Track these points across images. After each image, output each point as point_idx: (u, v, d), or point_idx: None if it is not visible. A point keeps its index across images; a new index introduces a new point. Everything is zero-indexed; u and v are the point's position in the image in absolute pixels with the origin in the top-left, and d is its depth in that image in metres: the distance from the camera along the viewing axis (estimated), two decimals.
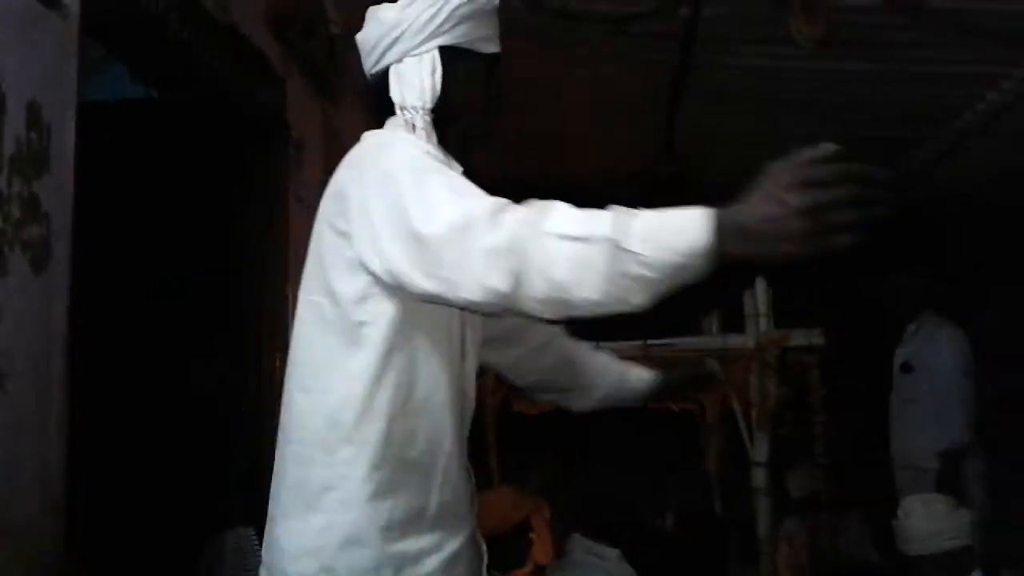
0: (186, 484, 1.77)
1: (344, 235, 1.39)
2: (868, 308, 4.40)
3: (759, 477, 3.37)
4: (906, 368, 4.26)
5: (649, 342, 3.54)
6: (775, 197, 1.13)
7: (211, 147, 2.44)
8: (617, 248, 1.16)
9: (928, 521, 2.78)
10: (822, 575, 2.27)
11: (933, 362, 4.15)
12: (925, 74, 3.90)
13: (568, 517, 2.91)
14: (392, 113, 1.52)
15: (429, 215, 1.27)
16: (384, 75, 1.52)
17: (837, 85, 4.01)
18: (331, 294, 1.41)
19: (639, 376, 1.94)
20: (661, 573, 3.07)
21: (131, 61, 2.35)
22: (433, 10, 1.48)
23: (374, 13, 1.54)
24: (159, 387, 1.73)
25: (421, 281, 1.28)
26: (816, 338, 3.39)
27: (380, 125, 1.53)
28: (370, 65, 1.54)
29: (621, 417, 4.16)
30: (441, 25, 1.49)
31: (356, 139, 1.52)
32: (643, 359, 3.59)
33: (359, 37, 1.56)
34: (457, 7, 1.49)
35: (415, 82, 1.51)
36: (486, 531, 2.20)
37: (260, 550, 1.50)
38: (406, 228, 1.29)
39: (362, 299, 1.38)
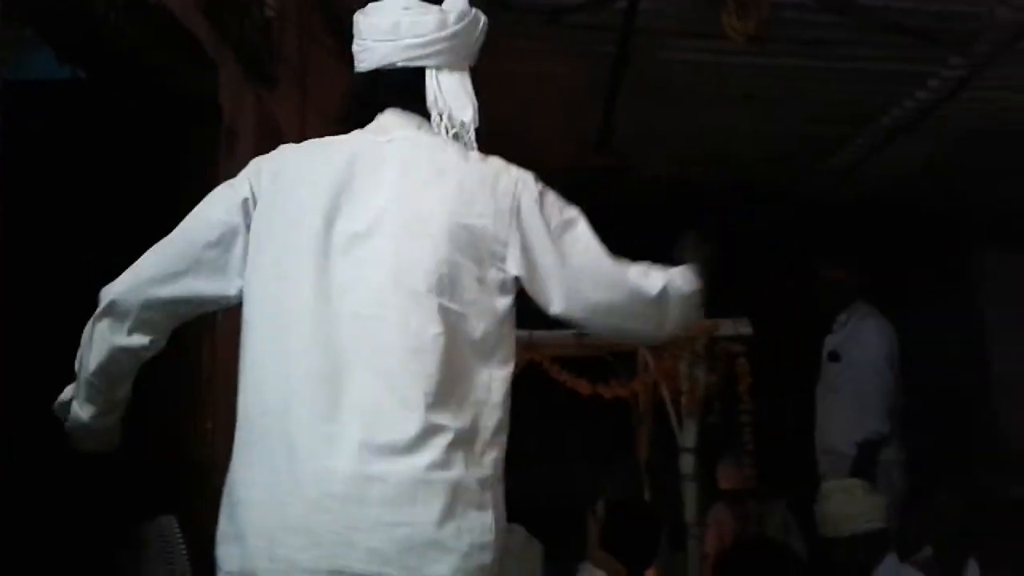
0: (106, 474, 1.75)
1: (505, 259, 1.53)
2: (797, 298, 4.50)
3: (687, 463, 3.46)
4: (833, 357, 4.37)
5: (583, 331, 3.60)
6: None
7: (140, 131, 2.40)
8: None
9: (845, 505, 2.88)
10: (744, 557, 2.35)
11: (859, 352, 4.26)
12: (856, 71, 3.99)
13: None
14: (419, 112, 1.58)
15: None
16: (414, 71, 1.57)
17: (771, 81, 4.08)
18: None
19: None
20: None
21: (57, 42, 2.29)
22: (479, 30, 1.58)
23: (431, 8, 1.58)
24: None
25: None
26: (744, 328, 3.48)
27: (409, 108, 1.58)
28: (398, 53, 1.56)
29: (555, 406, 4.25)
30: (479, 44, 1.60)
31: (291, 126, 1.53)
32: (577, 347, 3.69)
33: (400, 16, 1.57)
34: (484, 27, 1.59)
35: (465, 100, 1.59)
36: None
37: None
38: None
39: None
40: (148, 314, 1.53)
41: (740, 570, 2.05)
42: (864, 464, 3.93)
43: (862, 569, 2.82)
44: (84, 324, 1.56)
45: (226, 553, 1.42)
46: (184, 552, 1.92)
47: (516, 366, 3.18)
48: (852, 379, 4.26)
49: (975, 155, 4.54)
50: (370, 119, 1.59)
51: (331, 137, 1.61)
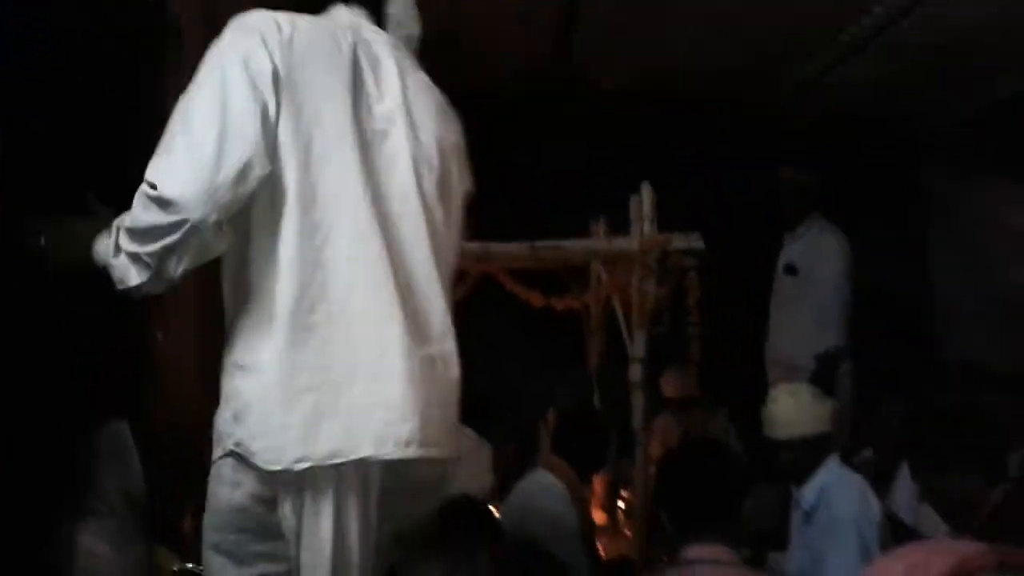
0: (58, 380, 1.74)
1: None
2: (748, 213, 4.55)
3: (636, 373, 3.53)
4: (790, 270, 4.45)
5: (537, 243, 3.62)
6: None
7: (85, 28, 2.31)
8: None
9: (793, 409, 2.98)
10: (686, 456, 2.43)
11: (819, 266, 4.34)
12: None
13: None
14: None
15: None
16: None
17: None
18: None
19: None
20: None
21: None
22: None
23: None
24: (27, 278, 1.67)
25: None
26: (695, 242, 3.51)
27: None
28: None
29: (509, 317, 4.28)
30: None
31: None
32: (531, 260, 3.71)
33: None
34: None
35: (414, 12, 1.69)
36: None
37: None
38: None
39: None
40: (230, 215, 1.44)
41: (682, 467, 2.12)
42: (824, 376, 4.06)
43: (804, 470, 2.94)
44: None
45: (282, 442, 1.41)
46: (136, 457, 1.93)
47: (470, 277, 3.21)
48: (811, 293, 4.35)
49: (927, 73, 4.57)
50: (320, 10, 1.61)
51: (319, 17, 1.60)
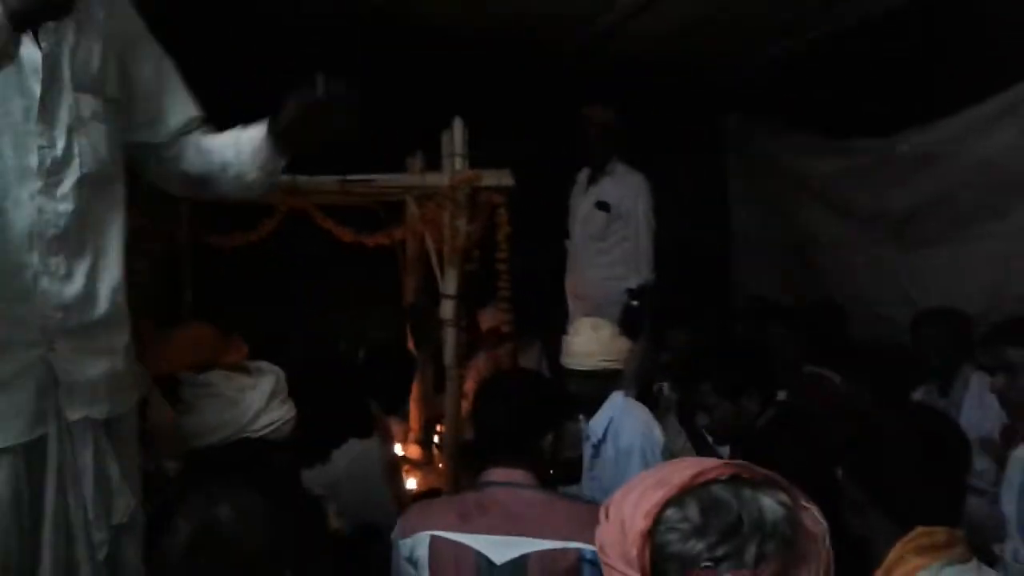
0: None
1: None
2: (557, 150, 4.64)
3: (447, 309, 3.56)
4: (602, 206, 4.59)
5: (348, 178, 3.54)
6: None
7: None
8: None
9: (592, 342, 3.11)
10: (500, 381, 2.49)
11: (630, 203, 4.50)
12: None
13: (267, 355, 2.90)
14: None
15: None
16: None
17: None
18: None
19: (251, 132, 1.88)
20: (348, 404, 3.21)
21: None
22: None
23: None
24: None
25: None
26: (506, 179, 3.55)
27: None
28: None
29: (323, 253, 4.19)
30: None
31: None
32: (342, 195, 3.64)
33: None
34: None
35: None
36: (174, 367, 2.17)
37: None
38: None
39: None
40: None
41: (495, 392, 2.16)
42: (635, 310, 4.23)
43: (592, 402, 3.08)
44: None
45: None
46: None
47: (279, 212, 3.08)
48: (622, 229, 4.51)
49: (728, 20, 4.74)
50: None
51: None
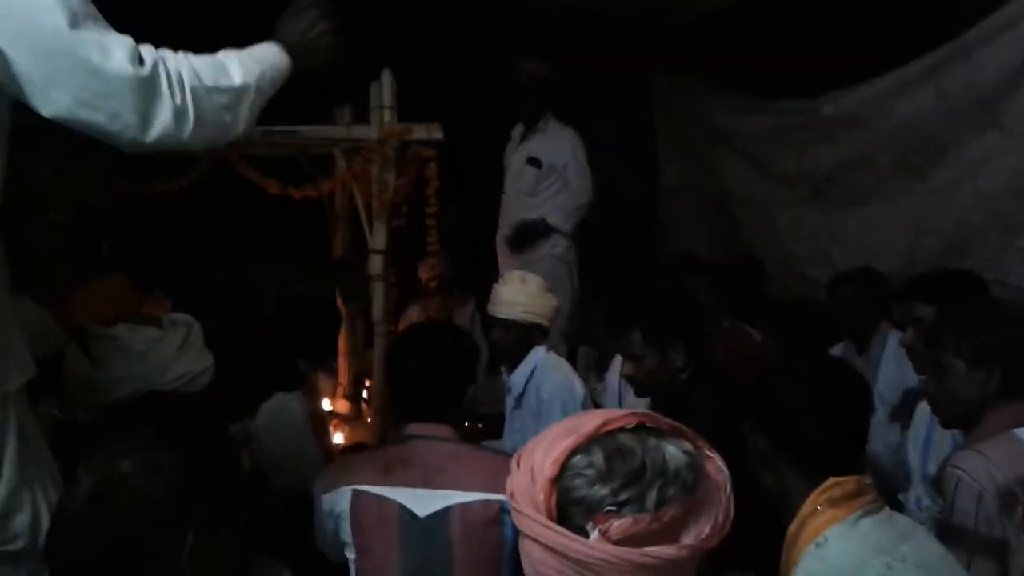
0: None
1: None
2: (492, 105, 4.60)
3: (376, 264, 3.53)
4: (534, 162, 4.59)
5: (272, 128, 3.47)
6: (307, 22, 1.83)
7: None
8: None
9: (519, 292, 3.13)
10: (418, 333, 2.49)
11: (560, 156, 4.50)
12: None
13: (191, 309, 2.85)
14: None
15: None
16: None
17: None
18: None
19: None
20: (273, 358, 3.18)
21: None
22: None
23: None
24: None
25: None
26: (435, 132, 3.52)
27: None
28: None
29: (249, 206, 4.11)
30: None
31: None
32: (266, 146, 3.56)
33: None
34: None
35: None
36: (92, 319, 2.11)
37: None
38: None
39: None
40: None
41: (412, 346, 2.16)
42: (521, 240, 4.28)
43: (511, 353, 3.11)
44: None
45: None
46: None
47: (203, 163, 3.00)
48: (554, 183, 4.52)
49: None
50: None
51: None
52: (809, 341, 3.48)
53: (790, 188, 4.85)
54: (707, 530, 1.10)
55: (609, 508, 1.06)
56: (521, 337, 3.10)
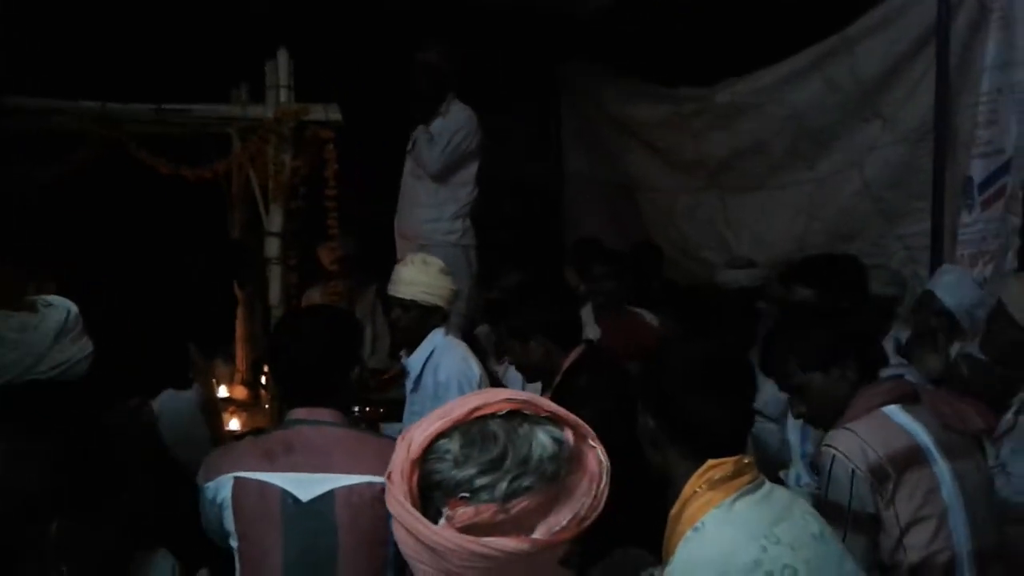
0: None
1: None
2: (388, 85, 4.56)
3: (272, 247, 3.47)
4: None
5: (164, 106, 3.36)
6: None
7: None
8: None
9: (419, 273, 3.13)
10: (301, 315, 2.46)
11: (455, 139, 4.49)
12: None
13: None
14: None
15: None
16: None
17: None
18: None
19: None
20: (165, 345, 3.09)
21: None
22: None
23: None
24: None
25: None
26: (334, 113, 3.46)
27: None
28: None
29: (142, 187, 3.98)
30: None
31: None
32: (157, 124, 3.45)
33: None
34: None
35: None
36: None
37: None
38: None
39: None
40: None
41: (294, 329, 2.13)
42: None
43: (409, 334, 3.11)
44: None
45: None
46: None
47: (90, 143, 2.90)
48: (453, 168, 4.47)
49: None
50: None
51: None
52: (703, 325, 3.57)
53: (687, 175, 4.96)
54: (565, 522, 1.07)
55: (463, 495, 1.05)
56: (420, 318, 3.09)
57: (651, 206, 5.26)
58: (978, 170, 3.45)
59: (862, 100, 3.91)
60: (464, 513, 1.04)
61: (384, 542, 1.88)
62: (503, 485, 1.04)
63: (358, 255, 4.72)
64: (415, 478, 1.07)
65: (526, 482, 1.05)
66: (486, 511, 1.03)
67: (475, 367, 3.05)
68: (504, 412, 1.09)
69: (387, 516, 1.85)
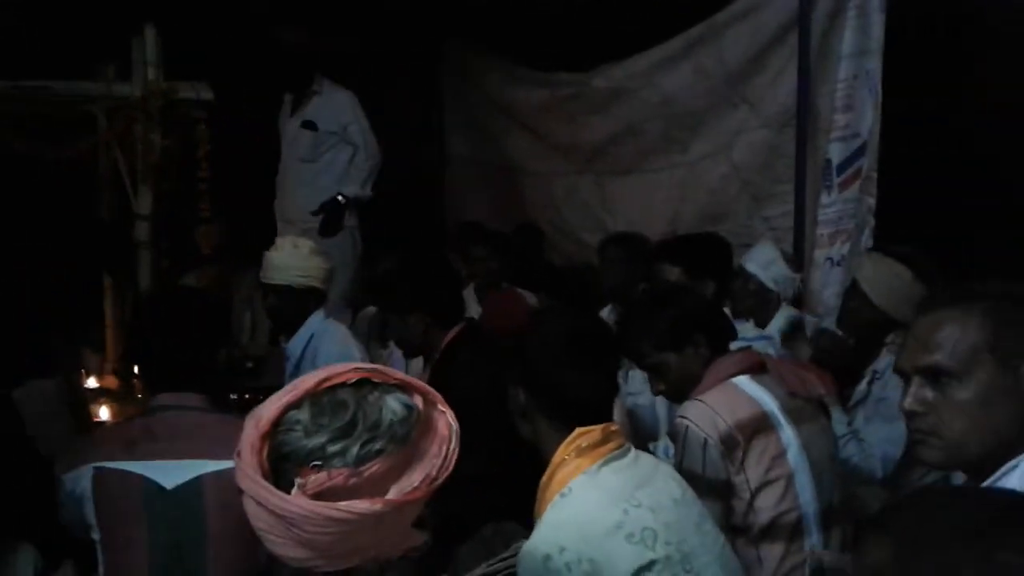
0: None
1: None
2: (262, 68, 4.46)
3: (141, 231, 3.36)
4: (309, 126, 4.48)
5: (22, 83, 3.20)
6: None
7: None
8: None
9: (291, 256, 3.11)
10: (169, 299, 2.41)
11: (337, 120, 4.43)
12: None
13: None
14: None
15: None
16: None
17: None
18: None
19: None
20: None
21: None
22: None
23: None
24: None
25: None
26: (204, 92, 3.37)
27: None
28: None
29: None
30: None
31: None
32: (15, 100, 3.28)
33: None
34: None
35: None
36: None
37: None
38: None
39: None
40: None
41: (155, 313, 2.08)
42: (331, 223, 4.21)
43: (288, 320, 3.08)
44: None
45: None
46: None
47: None
48: (335, 146, 4.44)
49: None
50: None
51: None
52: (579, 303, 3.64)
53: (565, 158, 5.04)
54: (417, 482, 1.11)
55: (315, 463, 1.07)
56: (297, 303, 3.07)
57: (532, 189, 5.32)
58: (836, 153, 3.62)
59: (730, 86, 4.06)
60: (316, 480, 1.06)
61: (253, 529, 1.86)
62: (355, 450, 1.07)
63: (236, 240, 4.62)
64: (265, 451, 1.08)
65: (377, 445, 1.08)
66: (338, 476, 1.06)
67: (356, 350, 3.04)
68: (353, 381, 1.11)
69: None
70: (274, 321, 3.21)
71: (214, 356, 2.03)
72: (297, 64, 4.32)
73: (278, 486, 1.07)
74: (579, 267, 4.38)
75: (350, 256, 4.37)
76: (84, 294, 3.50)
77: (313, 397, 1.10)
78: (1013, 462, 1.28)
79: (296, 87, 4.41)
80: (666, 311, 2.21)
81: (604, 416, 1.77)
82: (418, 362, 2.84)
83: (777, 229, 3.96)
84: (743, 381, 2.16)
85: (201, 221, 3.64)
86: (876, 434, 2.56)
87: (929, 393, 1.33)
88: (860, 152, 3.60)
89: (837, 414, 2.51)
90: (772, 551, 2.09)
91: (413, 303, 2.67)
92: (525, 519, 1.79)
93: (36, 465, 2.29)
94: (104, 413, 3.62)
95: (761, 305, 3.23)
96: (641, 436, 2.98)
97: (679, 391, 2.24)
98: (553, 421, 1.75)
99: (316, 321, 3.07)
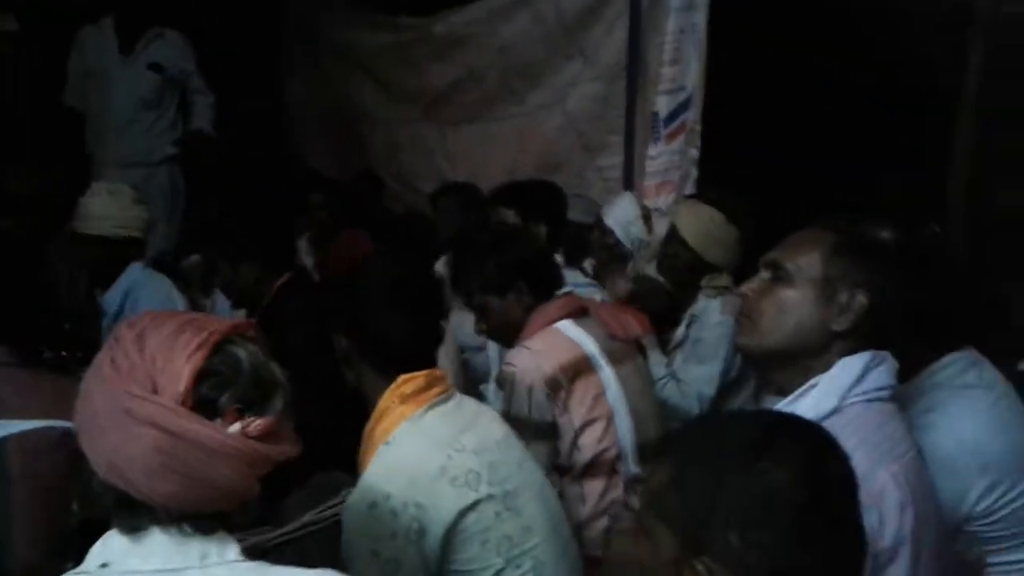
0: None
1: None
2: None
3: None
4: (156, 68, 4.30)
5: None
6: None
7: None
8: None
9: (108, 206, 2.96)
10: None
11: (185, 66, 4.38)
12: None
13: None
14: None
15: None
16: None
17: None
18: None
19: None
20: None
21: None
22: None
23: None
24: None
25: None
26: (10, 24, 3.17)
27: None
28: None
29: None
30: None
31: None
32: None
33: None
34: None
35: None
36: None
37: None
38: None
39: None
40: None
41: None
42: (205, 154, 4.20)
43: (105, 271, 2.94)
44: None
45: None
46: None
47: None
48: (176, 90, 4.39)
49: None
50: None
51: None
52: (415, 252, 3.64)
53: (408, 105, 4.97)
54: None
55: (236, 407, 1.12)
56: (115, 254, 2.93)
57: (373, 136, 5.23)
58: (663, 106, 3.75)
59: (565, 37, 4.10)
60: (259, 424, 1.12)
61: (65, 491, 1.77)
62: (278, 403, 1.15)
63: (49, 191, 4.35)
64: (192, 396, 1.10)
65: (252, 393, 1.14)
66: (270, 421, 1.13)
67: (179, 300, 2.94)
68: (233, 335, 1.16)
69: (70, 462, 1.74)
70: (89, 274, 3.05)
71: (26, 304, 1.90)
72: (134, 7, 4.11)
73: None
74: (417, 217, 4.36)
75: (177, 194, 4.25)
76: None
77: (223, 346, 1.14)
78: (812, 381, 1.42)
79: (132, 26, 4.18)
80: (493, 256, 2.25)
81: (428, 363, 1.79)
82: (242, 313, 2.76)
83: (609, 180, 4.07)
84: (566, 325, 2.23)
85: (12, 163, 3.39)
86: (692, 373, 2.69)
87: (762, 284, 1.50)
88: (685, 105, 3.74)
89: (656, 356, 2.64)
90: (593, 486, 2.20)
91: (246, 251, 2.59)
92: (353, 469, 1.80)
93: None
94: None
95: (612, 261, 3.30)
96: (475, 381, 3.04)
97: (500, 334, 2.31)
98: (377, 368, 1.76)
99: (135, 272, 2.94)
